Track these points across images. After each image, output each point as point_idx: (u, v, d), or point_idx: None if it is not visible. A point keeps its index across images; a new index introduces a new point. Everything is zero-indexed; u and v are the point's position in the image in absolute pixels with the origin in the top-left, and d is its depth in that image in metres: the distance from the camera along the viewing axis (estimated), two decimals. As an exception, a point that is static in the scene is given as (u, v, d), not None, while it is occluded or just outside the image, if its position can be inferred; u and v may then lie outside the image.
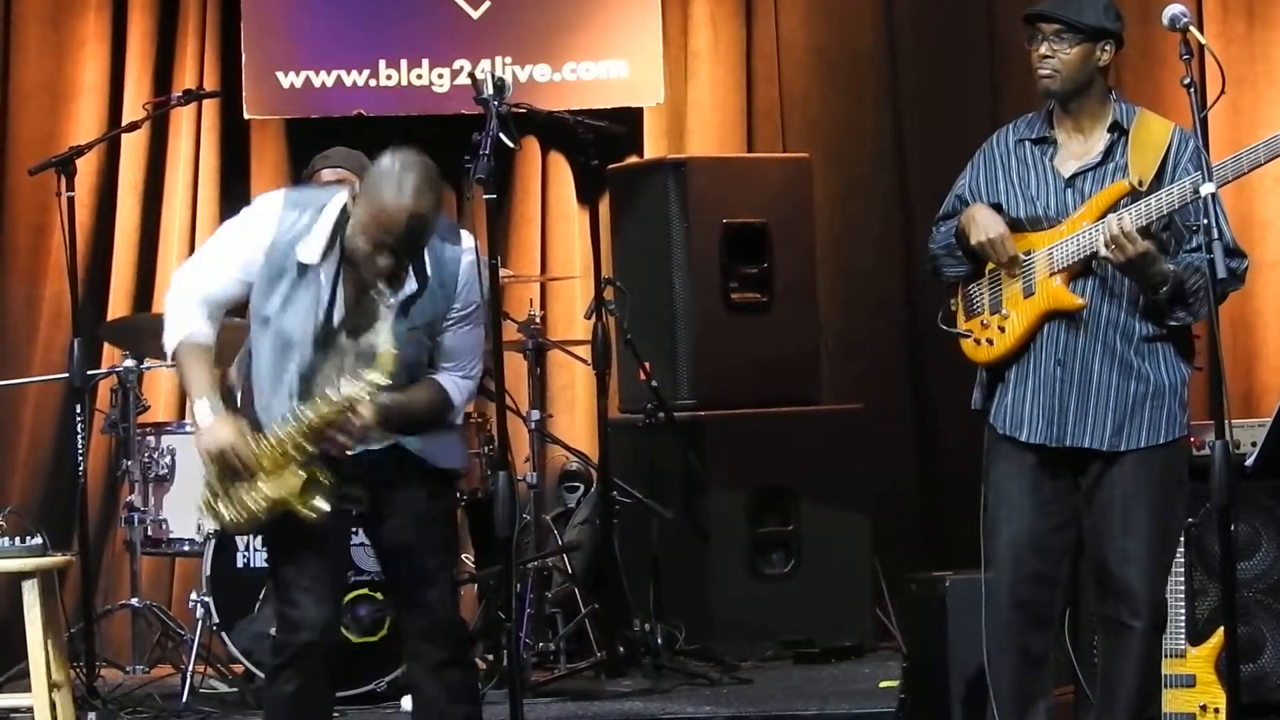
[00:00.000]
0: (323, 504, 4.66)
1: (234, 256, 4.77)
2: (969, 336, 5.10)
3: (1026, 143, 5.08)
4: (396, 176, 4.57)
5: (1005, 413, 5.03)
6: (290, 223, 4.71)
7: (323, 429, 4.64)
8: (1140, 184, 4.88)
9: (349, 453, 4.73)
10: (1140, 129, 4.96)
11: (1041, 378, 4.98)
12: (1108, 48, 4.97)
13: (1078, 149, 5.02)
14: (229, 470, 4.66)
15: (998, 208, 5.05)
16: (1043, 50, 4.97)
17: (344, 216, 4.69)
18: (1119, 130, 4.97)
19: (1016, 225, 5.03)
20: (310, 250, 4.68)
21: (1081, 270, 4.94)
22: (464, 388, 4.86)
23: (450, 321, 4.79)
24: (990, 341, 5.05)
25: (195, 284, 4.79)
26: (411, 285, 4.69)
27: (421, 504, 4.86)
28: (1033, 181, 5.03)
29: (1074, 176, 4.99)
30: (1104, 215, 4.87)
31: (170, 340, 4.79)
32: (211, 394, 4.71)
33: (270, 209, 4.77)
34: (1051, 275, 4.95)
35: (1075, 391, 4.94)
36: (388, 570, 5.01)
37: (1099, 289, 4.94)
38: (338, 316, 4.71)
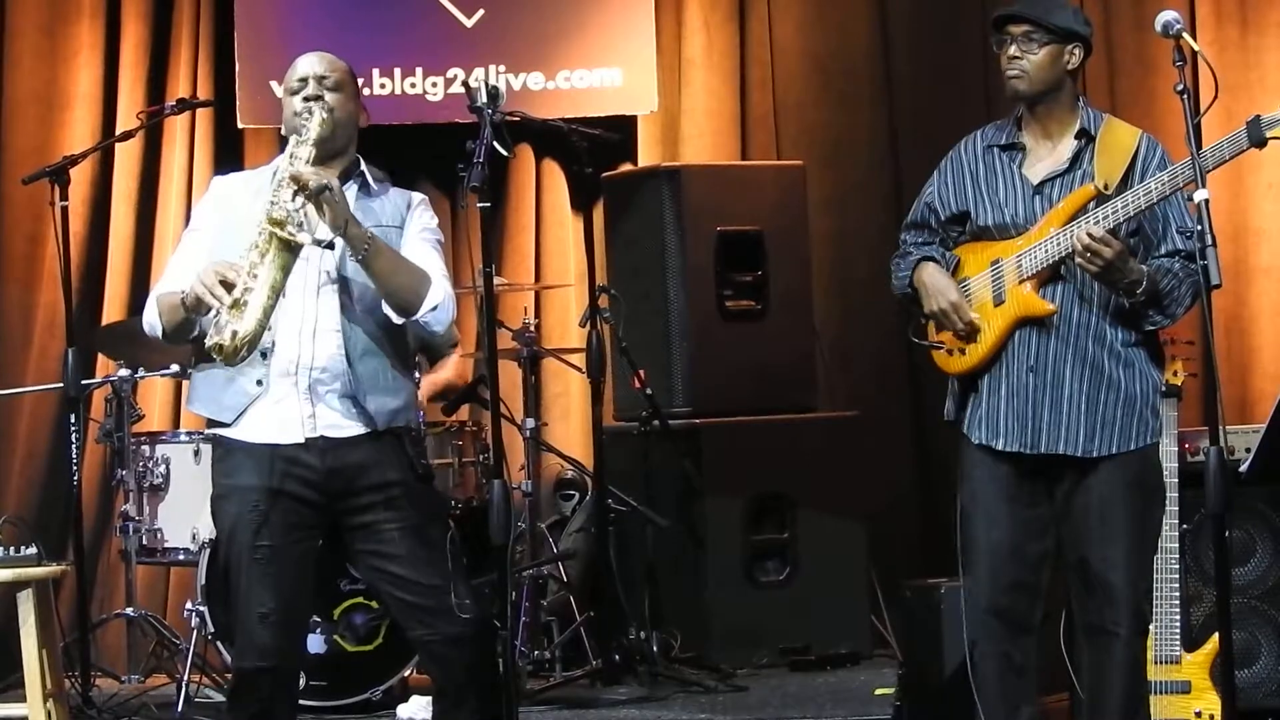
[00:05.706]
0: (302, 233, 4.66)
1: (199, 224, 4.97)
2: (941, 348, 5.10)
3: (995, 149, 5.08)
4: None
5: (979, 422, 5.02)
6: (243, 175, 5.10)
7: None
8: (1106, 187, 4.88)
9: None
10: (1107, 135, 4.97)
11: (1014, 385, 4.97)
12: (1076, 50, 4.98)
13: (1046, 155, 5.02)
14: (221, 280, 4.61)
15: (965, 215, 5.06)
16: (1011, 51, 4.99)
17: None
18: (1086, 137, 4.98)
19: (984, 233, 5.03)
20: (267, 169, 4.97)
21: (1051, 276, 4.94)
22: (442, 284, 4.90)
23: (413, 230, 4.96)
24: (962, 351, 5.05)
25: (168, 277, 4.93)
26: (352, 186, 4.91)
27: (401, 514, 4.82)
28: (1001, 188, 5.03)
29: (1042, 183, 4.99)
30: (1071, 220, 4.87)
31: (149, 319, 4.89)
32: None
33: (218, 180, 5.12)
34: (1021, 282, 4.95)
35: (1048, 398, 4.94)
36: (393, 590, 4.86)
37: (1070, 294, 4.94)
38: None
